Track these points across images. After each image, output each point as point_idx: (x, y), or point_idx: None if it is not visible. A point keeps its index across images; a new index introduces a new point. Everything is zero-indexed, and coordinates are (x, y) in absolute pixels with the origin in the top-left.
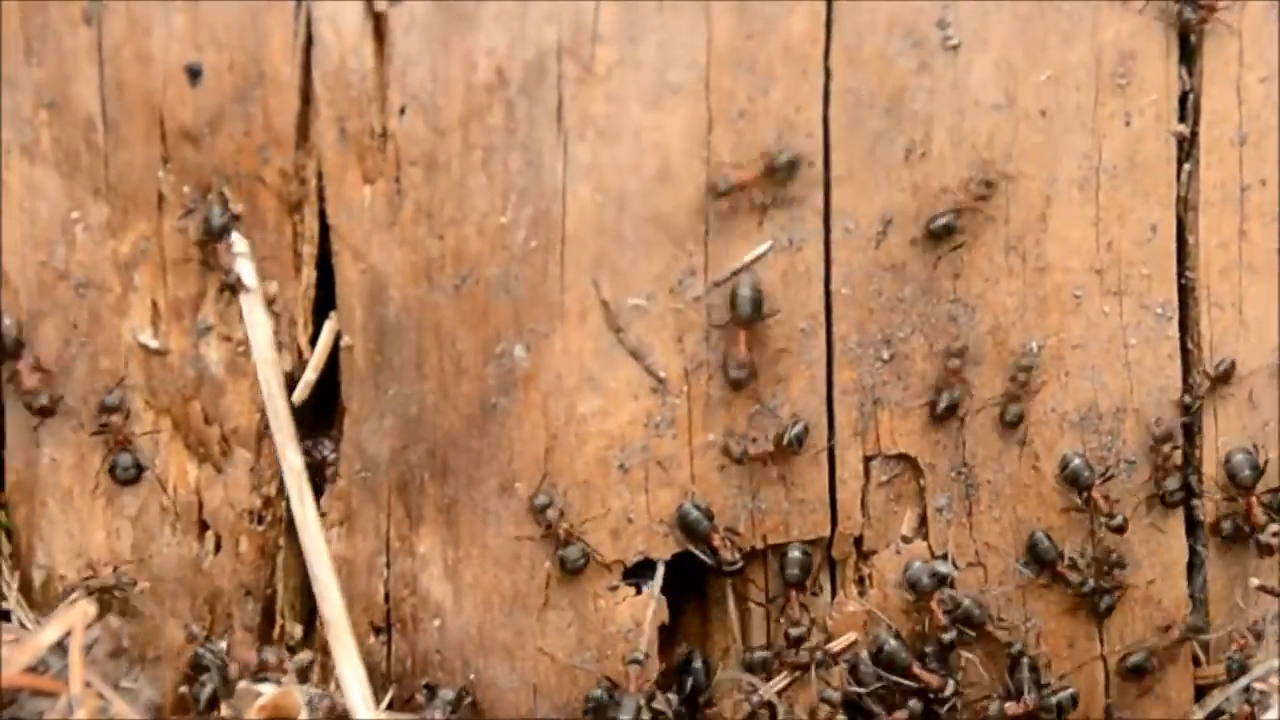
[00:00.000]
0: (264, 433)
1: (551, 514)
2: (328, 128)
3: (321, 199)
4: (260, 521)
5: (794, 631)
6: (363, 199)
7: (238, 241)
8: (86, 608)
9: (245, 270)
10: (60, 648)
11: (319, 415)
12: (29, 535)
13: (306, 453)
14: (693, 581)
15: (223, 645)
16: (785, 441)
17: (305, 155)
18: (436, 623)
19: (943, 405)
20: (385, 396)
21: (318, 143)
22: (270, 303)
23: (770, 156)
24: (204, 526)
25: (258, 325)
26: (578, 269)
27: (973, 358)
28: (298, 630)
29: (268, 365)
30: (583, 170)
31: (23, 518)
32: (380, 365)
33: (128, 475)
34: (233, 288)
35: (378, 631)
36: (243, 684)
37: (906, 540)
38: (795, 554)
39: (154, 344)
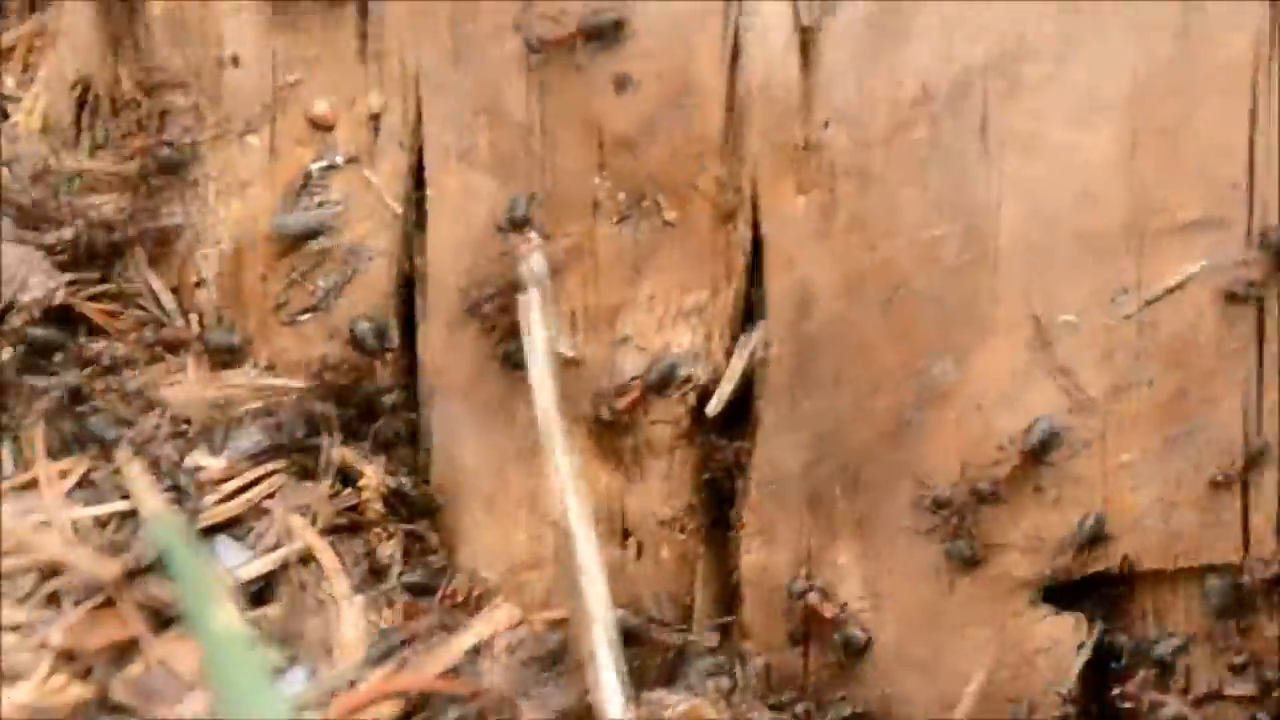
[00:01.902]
0: (681, 442)
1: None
2: (756, 139)
3: (754, 209)
4: (682, 530)
5: (1237, 660)
6: (795, 209)
7: (535, 236)
8: (511, 611)
9: (537, 265)
10: (480, 650)
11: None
12: (452, 538)
13: (716, 461)
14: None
15: None
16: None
17: (738, 164)
18: None
19: None
20: (800, 409)
21: (749, 153)
22: (694, 313)
23: None
24: (625, 534)
25: (541, 322)
26: (1008, 283)
27: None
28: (713, 638)
29: (542, 366)
30: (1009, 186)
31: (446, 522)
32: (798, 378)
33: None
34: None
35: (794, 642)
36: (655, 693)
37: None
38: (1214, 581)
39: (570, 353)
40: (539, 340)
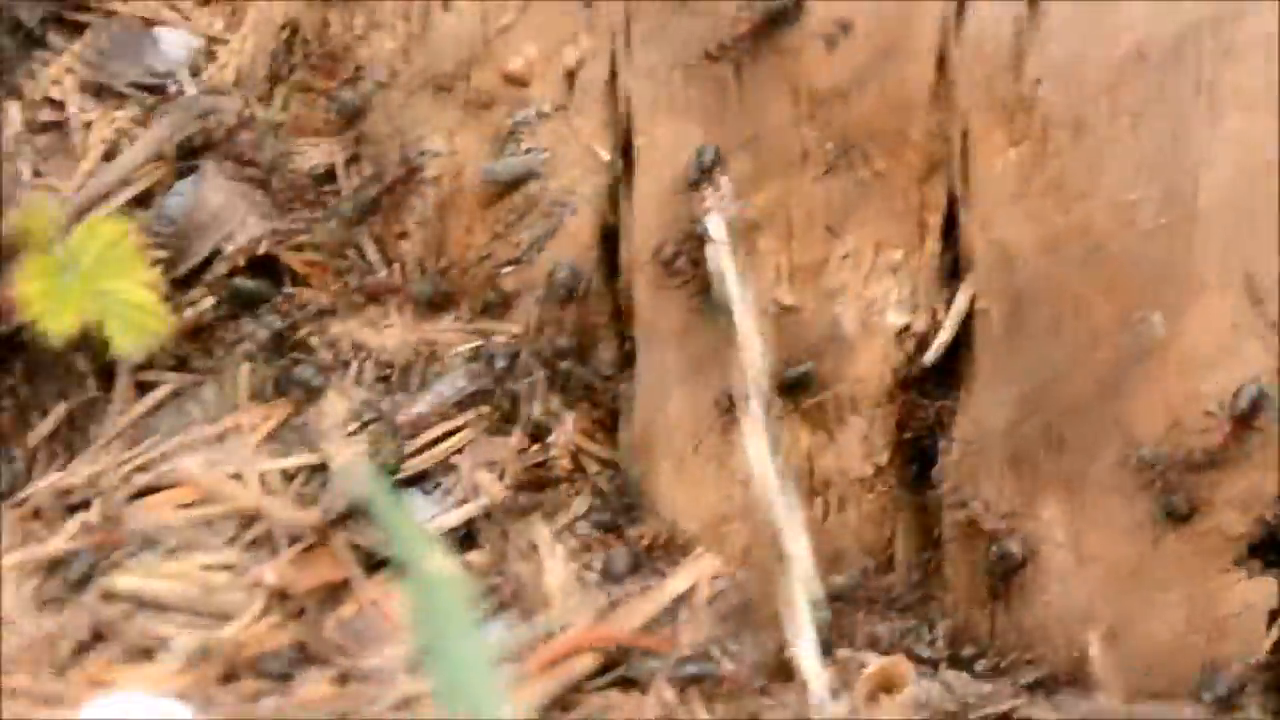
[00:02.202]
0: (884, 399)
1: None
2: (967, 93)
3: (964, 160)
4: (872, 490)
5: None
6: (997, 168)
7: (724, 186)
8: (711, 562)
9: (727, 215)
10: (680, 603)
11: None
12: (648, 492)
13: (918, 420)
14: None
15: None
16: None
17: (947, 118)
18: (1046, 597)
19: None
20: (1011, 364)
21: (958, 108)
22: (899, 267)
23: None
24: (814, 493)
25: (736, 269)
26: (1209, 244)
27: None
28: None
29: (736, 317)
30: (1221, 145)
31: (640, 477)
32: (1011, 332)
33: None
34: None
35: (992, 598)
36: (846, 652)
37: None
38: None
39: (789, 303)
40: (733, 291)
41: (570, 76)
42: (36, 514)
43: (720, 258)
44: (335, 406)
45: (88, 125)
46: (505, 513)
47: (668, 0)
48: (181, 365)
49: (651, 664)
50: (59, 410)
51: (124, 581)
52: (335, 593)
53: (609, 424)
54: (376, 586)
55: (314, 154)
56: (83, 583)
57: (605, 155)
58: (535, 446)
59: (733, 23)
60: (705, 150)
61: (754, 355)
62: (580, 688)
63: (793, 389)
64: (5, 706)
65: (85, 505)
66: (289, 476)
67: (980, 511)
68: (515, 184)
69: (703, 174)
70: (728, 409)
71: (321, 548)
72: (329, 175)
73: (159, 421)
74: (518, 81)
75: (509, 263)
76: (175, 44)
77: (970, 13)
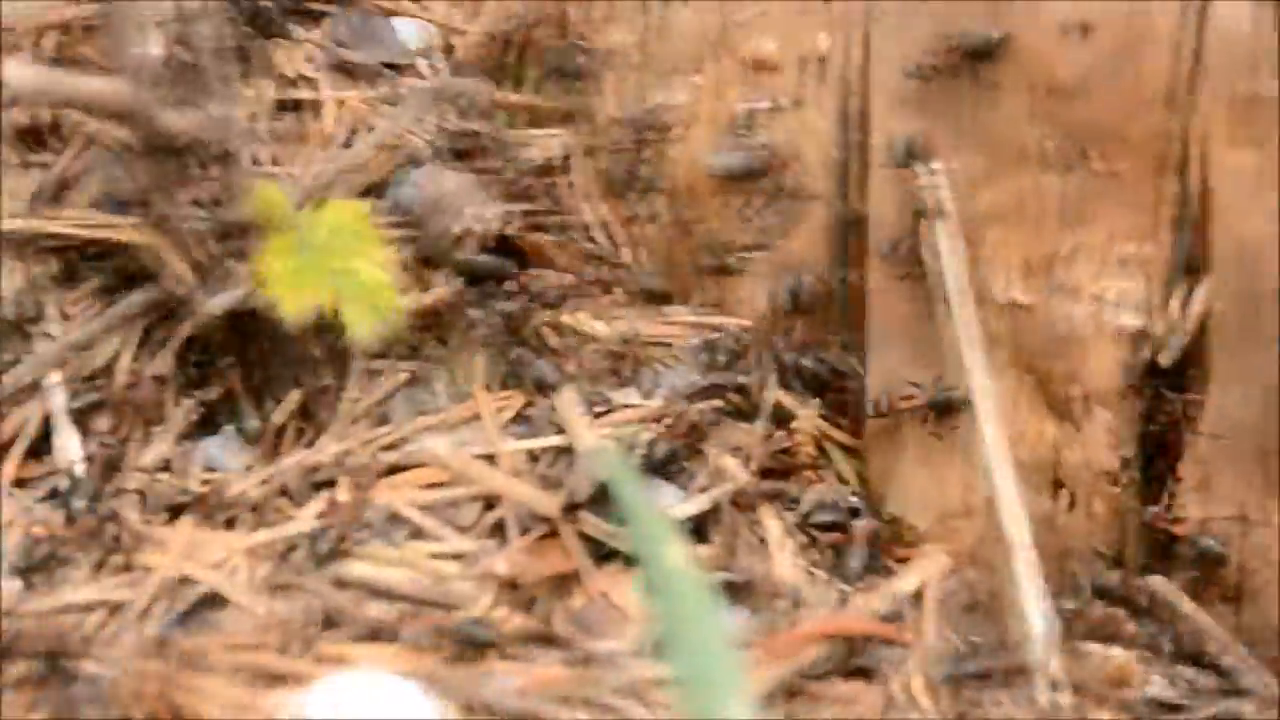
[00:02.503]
0: (1125, 393)
1: None
2: (1210, 90)
3: (1202, 159)
4: (1115, 483)
5: None
6: (1241, 163)
7: (934, 167)
8: (942, 559)
9: (941, 197)
10: (913, 598)
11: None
12: (881, 485)
13: (1164, 414)
14: None
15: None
16: None
17: (1188, 115)
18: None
19: None
20: (1251, 362)
21: (1201, 104)
22: (1131, 262)
23: None
24: (1058, 485)
25: (951, 254)
26: None
27: None
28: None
29: (961, 295)
30: None
31: (877, 468)
32: (1249, 330)
33: None
34: (923, 214)
35: (1225, 600)
36: (1083, 646)
37: None
38: None
39: (1023, 299)
40: (951, 275)
41: (807, 70)
42: (283, 490)
43: (939, 237)
44: (569, 395)
45: (340, 103)
46: (750, 498)
47: (908, 0)
48: (414, 353)
49: (884, 655)
50: (294, 395)
51: (358, 568)
52: (564, 583)
53: (853, 410)
54: (606, 578)
55: (548, 143)
56: (325, 561)
57: (838, 150)
58: (780, 433)
59: (944, 49)
60: (914, 136)
61: (972, 343)
62: (809, 675)
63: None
64: (238, 684)
65: (331, 483)
66: (534, 458)
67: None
68: (749, 175)
69: (908, 157)
70: (950, 402)
71: (551, 538)
72: (562, 164)
73: (393, 409)
74: (762, 67)
75: (745, 249)
76: (412, 34)
77: (1211, 12)
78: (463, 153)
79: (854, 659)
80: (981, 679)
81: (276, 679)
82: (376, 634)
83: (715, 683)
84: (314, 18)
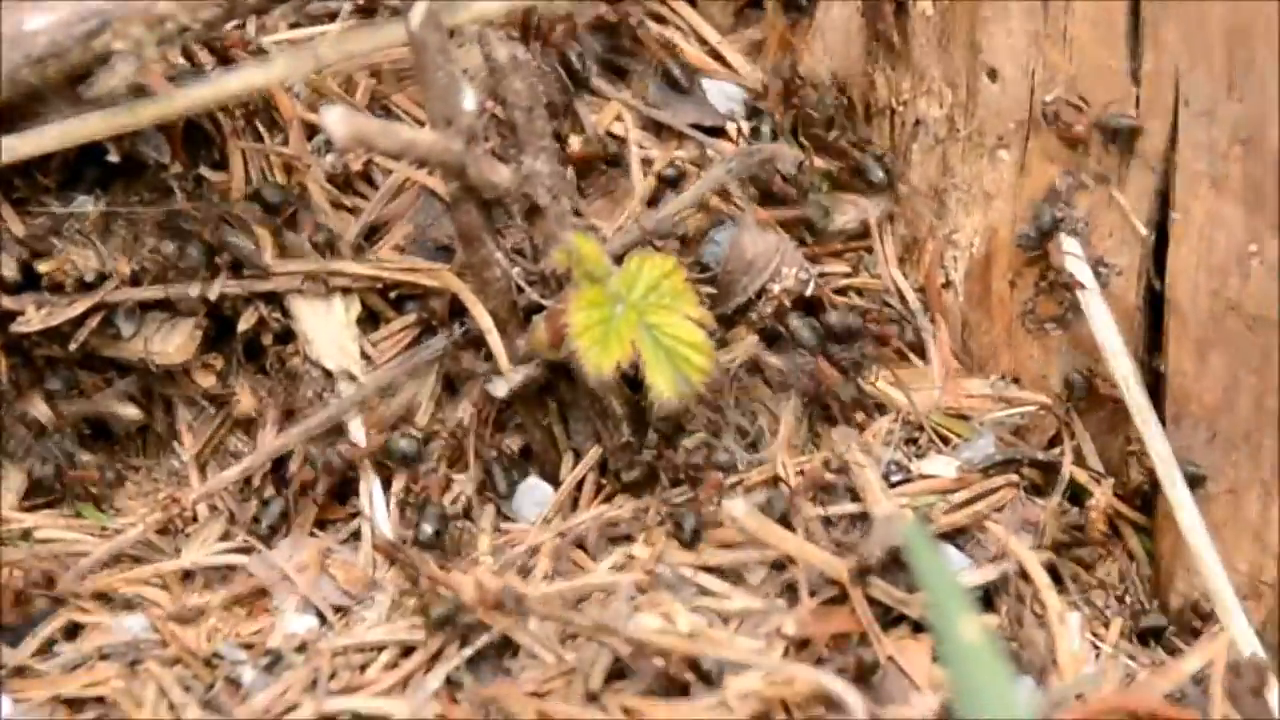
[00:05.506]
0: None
1: None
2: None
3: None
4: None
5: None
6: None
7: (1067, 241)
8: (1229, 639)
9: (1079, 269)
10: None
11: None
12: (1171, 562)
13: None
14: None
15: None
16: None
17: None
18: None
19: None
20: None
21: None
22: None
23: None
24: None
25: (1102, 320)
26: None
27: None
28: None
29: (1121, 359)
30: None
31: (1167, 546)
32: None
33: None
34: (1066, 286)
35: None
36: None
37: None
38: None
39: None
40: (1112, 347)
41: (1112, 148)
42: (579, 543)
43: (1092, 308)
44: (867, 460)
45: (647, 162)
46: (1023, 576)
47: (1220, 83)
48: (716, 412)
49: None
50: (593, 451)
51: (648, 622)
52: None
53: (1148, 489)
54: (894, 642)
55: (851, 210)
56: (619, 613)
57: (1142, 228)
58: (1074, 509)
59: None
60: (1045, 209)
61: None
62: None
63: None
64: None
65: (629, 538)
66: (829, 523)
67: None
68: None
69: (1042, 233)
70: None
71: (840, 604)
72: (863, 231)
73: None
74: (1071, 142)
75: (1050, 320)
76: (721, 94)
77: None
78: (771, 213)
79: None
80: None
81: None
82: (669, 689)
83: None
84: (623, 74)
